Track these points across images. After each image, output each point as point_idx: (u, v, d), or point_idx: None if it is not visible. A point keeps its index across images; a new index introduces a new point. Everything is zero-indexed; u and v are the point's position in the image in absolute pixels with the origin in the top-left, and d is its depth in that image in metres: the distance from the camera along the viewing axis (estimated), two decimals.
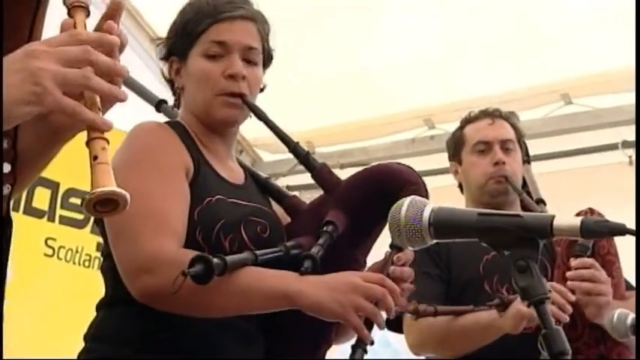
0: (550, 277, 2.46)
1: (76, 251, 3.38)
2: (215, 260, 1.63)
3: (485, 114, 2.74)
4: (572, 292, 2.25)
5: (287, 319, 1.87)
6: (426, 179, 3.80)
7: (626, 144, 3.65)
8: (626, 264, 2.55)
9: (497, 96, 3.39)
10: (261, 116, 2.07)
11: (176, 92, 2.18)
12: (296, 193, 4.22)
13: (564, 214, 2.42)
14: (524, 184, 2.70)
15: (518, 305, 2.19)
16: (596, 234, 1.38)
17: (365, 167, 2.13)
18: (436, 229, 1.35)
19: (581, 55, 3.69)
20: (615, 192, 3.44)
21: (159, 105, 2.29)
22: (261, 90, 2.16)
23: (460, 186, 2.82)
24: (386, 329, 2.24)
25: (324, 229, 1.87)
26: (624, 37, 3.50)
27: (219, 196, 1.95)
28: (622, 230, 1.30)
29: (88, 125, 1.13)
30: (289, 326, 1.93)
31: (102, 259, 1.99)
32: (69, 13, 1.20)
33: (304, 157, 2.11)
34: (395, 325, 2.49)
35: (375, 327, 1.74)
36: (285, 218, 2.08)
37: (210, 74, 2.02)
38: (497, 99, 3.23)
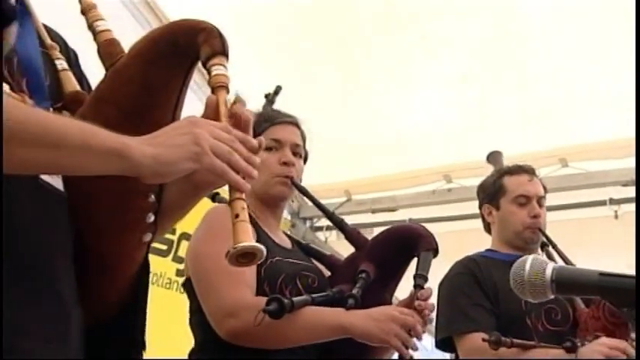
0: (573, 322, 2.44)
1: (160, 275, 3.45)
2: (285, 300, 1.76)
3: (523, 170, 2.73)
4: None
5: (336, 349, 1.99)
6: (443, 224, 4.07)
7: (612, 201, 3.80)
8: None
9: (506, 158, 3.26)
10: (306, 193, 2.26)
11: None
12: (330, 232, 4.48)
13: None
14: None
15: (596, 354, 2.19)
16: None
17: (388, 227, 2.20)
18: (558, 285, 1.27)
19: (577, 126, 3.75)
20: (603, 240, 3.60)
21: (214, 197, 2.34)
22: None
23: (488, 226, 2.79)
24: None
25: (360, 276, 1.98)
26: (615, 113, 3.63)
27: (277, 258, 2.05)
28: None
29: (231, 185, 1.13)
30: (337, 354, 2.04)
31: (189, 314, 2.06)
32: (213, 92, 1.22)
33: (339, 223, 2.27)
34: (446, 345, 2.57)
35: None
36: (326, 272, 2.18)
37: (268, 162, 2.11)
38: (506, 161, 3.13)
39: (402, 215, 4.27)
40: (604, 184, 3.90)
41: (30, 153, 0.99)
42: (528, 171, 2.74)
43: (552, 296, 1.29)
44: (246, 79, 3.49)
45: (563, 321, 2.45)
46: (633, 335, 2.25)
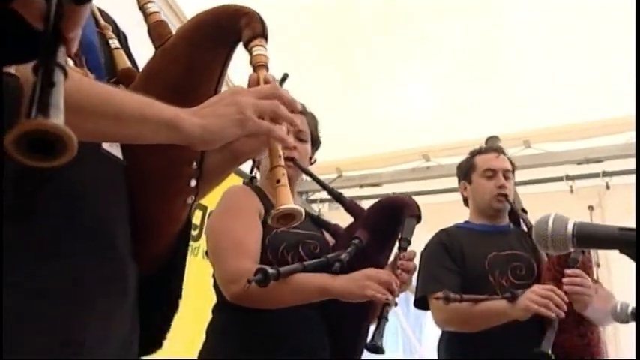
0: (537, 275, 2.46)
1: (193, 246, 3.39)
2: (271, 270, 1.77)
3: (492, 149, 2.76)
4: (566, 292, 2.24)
5: (337, 307, 1.96)
6: (422, 197, 4.05)
7: (568, 177, 3.83)
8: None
9: (476, 140, 3.28)
10: (307, 172, 2.21)
11: (255, 165, 2.29)
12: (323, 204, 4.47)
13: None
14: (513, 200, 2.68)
15: (527, 301, 2.21)
16: None
17: (380, 199, 2.22)
18: (579, 239, 1.22)
19: (538, 112, 3.76)
20: (560, 211, 3.65)
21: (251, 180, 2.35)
22: (312, 163, 2.31)
23: (465, 200, 2.79)
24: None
25: (352, 242, 1.99)
26: (572, 100, 3.64)
27: (282, 229, 2.14)
28: None
29: (277, 140, 1.10)
30: (338, 312, 2.01)
31: (212, 278, 2.07)
32: (254, 70, 1.18)
33: (338, 196, 2.27)
34: (422, 305, 2.58)
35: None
36: (332, 240, 2.20)
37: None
38: (477, 143, 3.14)
39: (386, 190, 4.24)
40: (561, 163, 3.90)
41: (93, 123, 0.94)
42: (496, 150, 2.76)
43: (572, 249, 1.27)
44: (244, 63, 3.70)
45: (528, 275, 2.47)
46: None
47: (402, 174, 4.24)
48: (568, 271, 2.29)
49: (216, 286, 2.03)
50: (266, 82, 1.15)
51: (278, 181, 1.09)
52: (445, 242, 2.64)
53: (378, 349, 1.85)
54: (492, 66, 3.67)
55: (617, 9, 3.15)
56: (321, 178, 4.24)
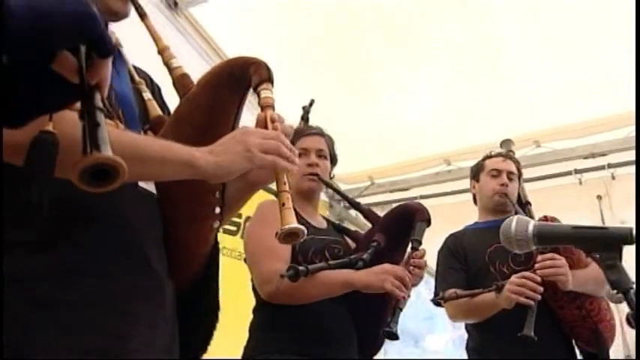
0: (533, 261, 2.38)
1: (231, 249, 3.44)
2: (301, 268, 1.83)
3: (500, 154, 2.76)
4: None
5: (360, 301, 2.02)
6: (444, 198, 4.05)
7: (577, 171, 3.77)
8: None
9: (491, 143, 3.28)
10: (328, 184, 2.30)
11: None
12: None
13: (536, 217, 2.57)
14: (520, 196, 2.66)
15: (507, 292, 2.19)
16: None
17: (393, 207, 2.26)
18: (539, 238, 1.22)
19: (545, 114, 3.70)
20: (571, 201, 3.57)
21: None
22: (331, 178, 2.34)
23: (474, 197, 2.79)
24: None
25: (371, 244, 2.04)
26: (575, 101, 3.56)
27: (310, 236, 1.98)
28: None
29: (281, 170, 1.12)
30: (362, 305, 2.06)
31: (251, 281, 2.10)
32: (262, 110, 1.22)
33: (356, 205, 2.36)
34: (438, 303, 2.52)
35: None
36: (352, 244, 2.23)
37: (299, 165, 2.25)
38: (492, 145, 3.15)
39: (413, 193, 4.25)
40: (570, 158, 3.84)
41: None
42: (504, 155, 2.76)
43: (534, 247, 1.25)
44: (281, 94, 3.70)
45: (526, 261, 2.42)
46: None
47: (427, 178, 4.23)
48: (538, 257, 2.26)
49: (254, 288, 2.07)
50: (272, 120, 1.19)
51: (283, 204, 1.12)
52: (450, 245, 2.65)
53: (392, 335, 1.88)
54: (499, 73, 3.61)
55: (615, 9, 3.08)
56: (355, 186, 4.41)
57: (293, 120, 2.47)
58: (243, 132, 1.12)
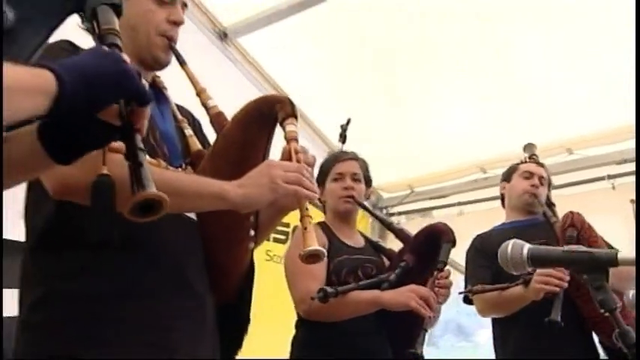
0: None
1: (280, 256, 3.37)
2: (330, 290, 1.86)
3: (534, 160, 2.76)
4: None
5: (396, 322, 2.04)
6: (481, 204, 3.99)
7: (610, 176, 3.65)
8: None
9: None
10: (362, 206, 2.31)
11: (323, 205, 2.35)
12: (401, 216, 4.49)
13: None
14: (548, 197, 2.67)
15: (535, 284, 2.17)
16: None
17: (422, 228, 2.22)
18: (532, 260, 1.23)
19: (577, 122, 3.63)
20: (605, 206, 3.45)
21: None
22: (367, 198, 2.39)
23: (502, 198, 2.77)
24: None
25: (400, 264, 2.07)
26: (606, 108, 3.47)
27: (345, 256, 2.14)
28: None
29: (303, 199, 1.18)
30: (394, 321, 2.07)
31: None
32: (287, 143, 1.27)
33: (389, 225, 2.37)
34: (469, 300, 2.53)
35: None
36: (387, 262, 2.26)
37: (335, 189, 2.25)
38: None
39: (451, 200, 4.21)
40: (602, 164, 3.73)
41: None
42: (537, 161, 2.77)
43: (529, 269, 1.25)
44: (324, 109, 3.75)
45: None
46: None
47: (464, 185, 4.18)
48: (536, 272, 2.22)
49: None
50: (296, 151, 1.25)
51: (305, 228, 1.17)
52: (477, 245, 2.63)
53: (417, 356, 1.86)
54: (530, 84, 3.58)
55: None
56: (396, 194, 4.41)
57: (336, 134, 2.58)
58: (268, 165, 1.19)
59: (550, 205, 2.65)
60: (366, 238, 2.38)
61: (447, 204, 4.18)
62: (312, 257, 1.15)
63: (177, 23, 1.30)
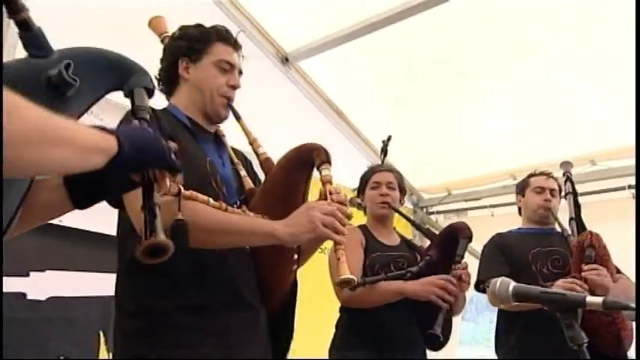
0: (569, 267, 2.35)
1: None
2: (358, 280, 1.90)
3: (543, 173, 2.71)
4: (586, 281, 2.18)
5: (424, 310, 2.06)
6: (510, 207, 3.92)
7: (630, 186, 3.52)
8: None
9: (550, 160, 3.22)
10: (397, 210, 2.33)
11: (363, 209, 2.39)
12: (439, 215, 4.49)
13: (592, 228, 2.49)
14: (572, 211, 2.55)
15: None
16: (612, 308, 1.18)
17: (445, 227, 2.28)
18: (516, 296, 1.23)
19: (601, 134, 3.52)
20: (625, 214, 3.32)
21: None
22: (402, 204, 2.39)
23: (519, 209, 2.73)
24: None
25: (424, 258, 2.13)
26: (626, 123, 3.24)
27: (378, 253, 2.19)
28: (625, 307, 1.19)
29: (334, 240, 1.26)
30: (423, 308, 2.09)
31: None
32: (323, 185, 1.33)
33: (418, 226, 2.44)
34: (482, 290, 2.43)
35: None
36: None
37: (373, 195, 2.30)
38: (551, 163, 3.08)
39: (484, 202, 4.17)
40: (624, 175, 3.59)
41: (222, 238, 1.19)
42: (547, 175, 2.71)
43: (515, 303, 1.25)
44: (374, 123, 3.79)
45: (563, 265, 2.43)
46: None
47: (495, 190, 4.11)
48: (585, 267, 2.23)
49: None
50: (330, 192, 1.33)
51: (339, 259, 1.26)
52: (496, 242, 2.61)
53: (435, 336, 1.93)
54: (557, 99, 3.51)
55: None
56: (435, 195, 4.41)
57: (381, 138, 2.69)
58: (308, 207, 1.27)
59: (578, 209, 2.58)
60: (402, 237, 2.44)
61: (480, 205, 4.15)
62: (345, 283, 1.24)
63: (234, 87, 1.40)
